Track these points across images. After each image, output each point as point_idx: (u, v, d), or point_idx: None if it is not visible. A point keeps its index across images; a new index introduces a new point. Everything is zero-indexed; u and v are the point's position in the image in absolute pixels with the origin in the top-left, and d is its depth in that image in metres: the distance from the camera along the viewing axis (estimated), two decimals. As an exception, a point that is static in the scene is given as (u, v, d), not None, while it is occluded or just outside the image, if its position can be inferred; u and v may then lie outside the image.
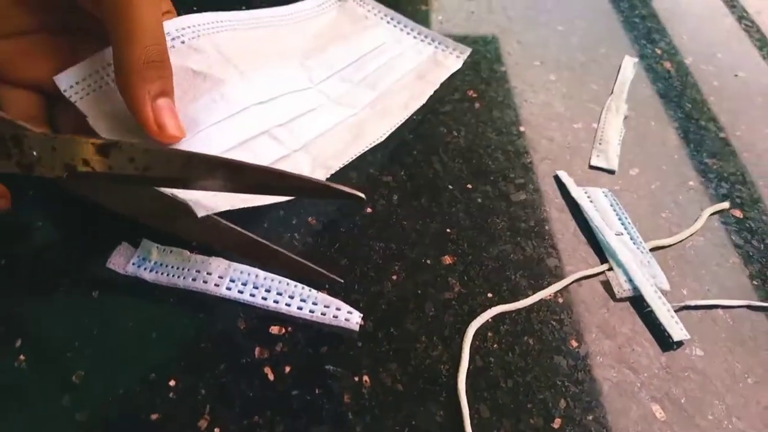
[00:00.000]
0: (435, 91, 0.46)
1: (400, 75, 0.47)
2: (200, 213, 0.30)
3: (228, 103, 0.36)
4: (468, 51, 0.50)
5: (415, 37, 0.50)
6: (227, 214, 0.32)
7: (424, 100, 0.45)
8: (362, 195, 0.27)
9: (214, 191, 0.28)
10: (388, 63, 0.47)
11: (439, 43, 0.50)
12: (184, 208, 0.30)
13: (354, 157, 0.40)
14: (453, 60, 0.49)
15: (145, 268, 0.34)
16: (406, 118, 0.44)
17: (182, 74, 0.35)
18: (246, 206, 0.32)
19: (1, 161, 0.28)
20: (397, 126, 0.43)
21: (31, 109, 0.34)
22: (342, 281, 0.35)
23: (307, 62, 0.43)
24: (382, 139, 0.42)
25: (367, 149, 0.41)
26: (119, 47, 0.30)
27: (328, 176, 0.38)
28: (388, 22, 0.50)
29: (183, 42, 0.36)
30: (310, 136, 0.39)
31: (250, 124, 0.37)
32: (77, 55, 0.33)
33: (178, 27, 0.36)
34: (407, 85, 0.47)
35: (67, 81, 0.32)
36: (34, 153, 0.28)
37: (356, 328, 0.33)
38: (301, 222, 0.38)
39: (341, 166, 0.39)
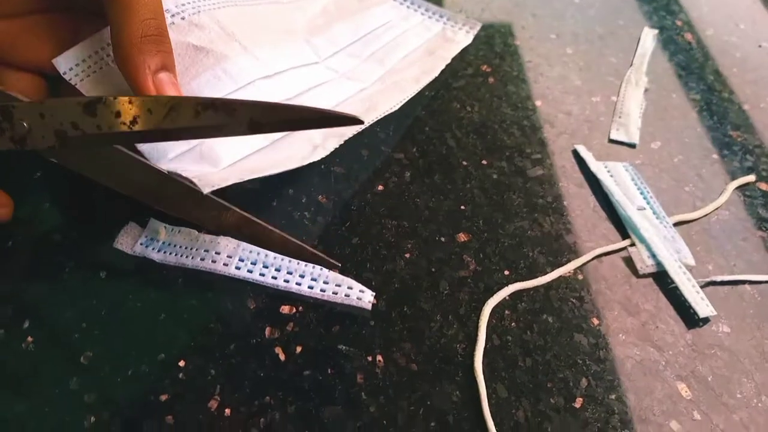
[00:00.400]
0: (447, 67, 0.45)
1: (408, 51, 0.46)
2: (206, 190, 0.29)
3: (232, 78, 0.35)
4: (478, 26, 0.49)
5: (422, 14, 0.49)
6: (232, 196, 0.31)
7: (435, 74, 0.44)
8: (363, 120, 0.27)
9: (206, 137, 0.28)
10: (395, 39, 0.46)
11: (447, 19, 0.49)
12: (184, 187, 0.30)
13: (368, 125, 0.38)
14: (463, 35, 0.48)
15: (152, 248, 0.34)
16: (418, 91, 0.43)
17: (183, 50, 0.34)
18: (255, 177, 0.31)
19: None
20: (409, 99, 0.42)
21: (33, 93, 0.33)
22: (339, 265, 0.34)
23: (313, 39, 0.42)
24: (395, 109, 0.40)
25: (379, 118, 0.39)
26: (116, 23, 0.29)
27: (342, 143, 0.36)
28: (393, 0, 0.49)
29: (183, 18, 0.35)
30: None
31: (257, 98, 0.35)
32: (80, 36, 0.32)
33: (177, 3, 0.35)
34: (417, 60, 0.45)
35: (66, 63, 0.31)
36: (25, 124, 0.27)
37: (369, 307, 0.32)
38: (311, 200, 0.37)
39: (354, 134, 0.37)
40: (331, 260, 0.34)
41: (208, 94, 0.34)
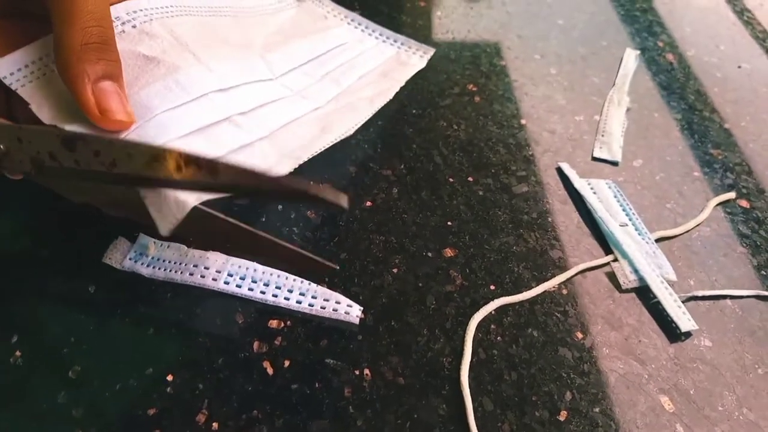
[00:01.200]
0: (434, 86, 0.46)
1: (364, 72, 0.46)
2: (191, 203, 0.29)
3: (184, 89, 0.33)
4: (432, 51, 0.49)
5: (377, 38, 0.49)
6: (220, 211, 0.31)
7: (389, 96, 0.44)
8: (345, 205, 0.24)
9: (182, 190, 0.26)
10: (350, 61, 0.46)
11: (402, 44, 0.49)
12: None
13: (321, 150, 0.38)
14: (417, 59, 0.49)
15: (141, 263, 0.34)
16: (372, 114, 0.43)
17: (133, 60, 0.33)
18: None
19: None
20: (364, 122, 0.42)
21: None
22: (337, 267, 0.33)
23: (268, 56, 0.42)
24: (350, 134, 0.40)
25: (334, 143, 0.39)
26: (57, 28, 0.28)
27: (296, 167, 0.35)
28: (348, 23, 0.49)
29: (134, 26, 0.34)
30: (274, 126, 0.37)
31: (210, 110, 0.34)
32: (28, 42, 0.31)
33: (128, 10, 0.34)
34: (372, 82, 0.46)
35: (7, 67, 0.30)
36: (1, 146, 0.26)
37: (356, 321, 0.33)
38: (300, 216, 0.37)
39: (308, 158, 0.36)
40: (326, 262, 0.32)
41: (158, 104, 0.32)
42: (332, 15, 0.50)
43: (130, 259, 0.34)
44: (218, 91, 0.35)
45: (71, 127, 0.29)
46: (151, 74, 0.33)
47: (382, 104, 0.44)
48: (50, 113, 0.30)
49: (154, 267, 0.34)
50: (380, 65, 0.47)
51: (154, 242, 0.35)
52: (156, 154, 0.25)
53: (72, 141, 0.26)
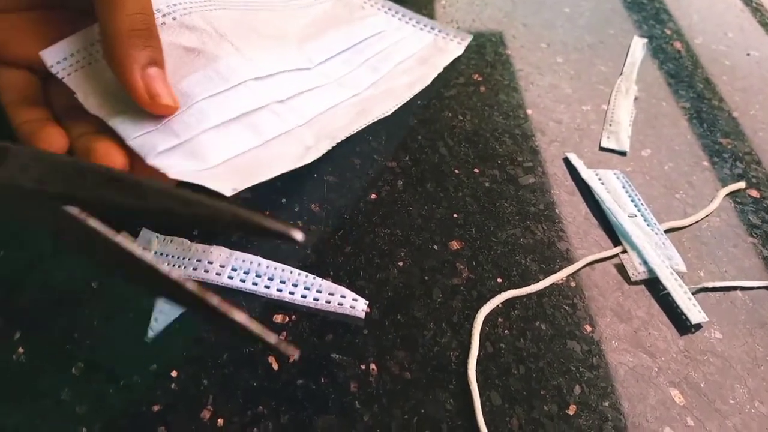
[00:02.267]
0: (439, 76, 0.45)
1: (401, 59, 0.46)
2: (228, 192, 0.30)
3: (223, 78, 0.34)
4: (469, 38, 0.49)
5: (414, 26, 0.49)
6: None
7: (428, 82, 0.44)
8: (299, 236, 0.23)
9: (109, 211, 0.25)
10: (388, 48, 0.46)
11: (439, 31, 0.49)
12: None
13: (359, 129, 0.39)
14: (454, 46, 0.48)
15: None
16: (410, 97, 0.43)
17: (173, 52, 0.34)
18: (254, 182, 0.32)
19: None
20: (401, 107, 0.42)
21: (25, 89, 0.33)
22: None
23: (305, 46, 0.42)
24: (387, 114, 0.41)
25: (370, 123, 0.40)
26: (103, 17, 0.29)
27: (334, 145, 0.36)
28: (386, 12, 0.49)
29: (174, 18, 0.35)
30: (312, 113, 0.38)
31: (248, 98, 0.35)
32: (71, 32, 0.32)
33: (169, 3, 0.35)
34: (409, 68, 0.46)
35: (54, 56, 0.31)
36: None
37: (362, 315, 0.32)
38: (304, 209, 0.37)
39: (347, 136, 0.37)
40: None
41: (198, 92, 0.33)
42: (369, 4, 0.49)
43: None
44: (256, 80, 0.36)
45: (116, 120, 0.30)
46: (191, 65, 0.34)
47: (420, 89, 0.44)
48: (96, 102, 0.31)
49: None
50: (418, 52, 0.48)
51: (157, 237, 0.34)
52: (81, 169, 0.24)
53: (3, 153, 0.24)
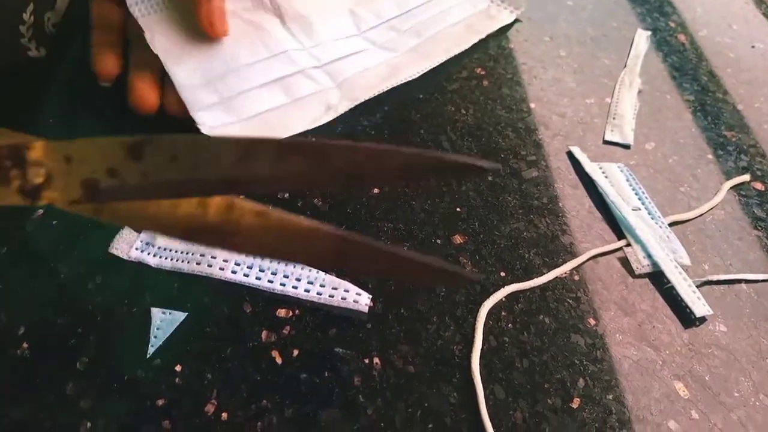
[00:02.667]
0: (441, 68, 0.45)
1: (448, 24, 0.47)
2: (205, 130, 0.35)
3: (266, 47, 0.39)
4: (522, 8, 0.50)
5: None
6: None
7: (466, 47, 0.46)
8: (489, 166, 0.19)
9: (282, 189, 0.24)
10: (440, 14, 0.47)
11: None
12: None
13: (384, 90, 0.41)
14: (507, 15, 0.49)
15: (148, 253, 0.34)
16: (444, 60, 0.45)
17: (231, 18, 0.38)
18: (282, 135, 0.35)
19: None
20: (433, 67, 0.44)
21: (108, 17, 0.38)
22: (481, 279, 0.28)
23: (357, 9, 0.43)
24: (415, 77, 0.43)
25: (399, 83, 0.42)
26: None
27: (352, 107, 0.39)
28: None
29: None
30: (344, 75, 0.41)
31: (287, 64, 0.39)
32: None
33: None
34: (453, 33, 0.47)
35: None
36: (42, 170, 0.21)
37: (365, 310, 0.32)
38: (307, 204, 0.37)
39: (369, 97, 0.40)
40: (469, 275, 0.26)
41: (243, 56, 0.38)
42: None
43: (136, 249, 0.34)
44: (298, 50, 0.40)
45: (173, 66, 0.36)
46: (240, 30, 0.38)
47: (457, 53, 0.46)
48: (160, 44, 0.36)
49: (161, 257, 0.33)
50: (468, 18, 0.48)
51: None
52: (247, 147, 0.20)
53: (140, 148, 0.21)
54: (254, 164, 0.20)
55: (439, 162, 0.18)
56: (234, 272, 0.33)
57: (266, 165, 0.20)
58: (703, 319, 0.33)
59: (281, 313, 0.32)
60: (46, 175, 0.21)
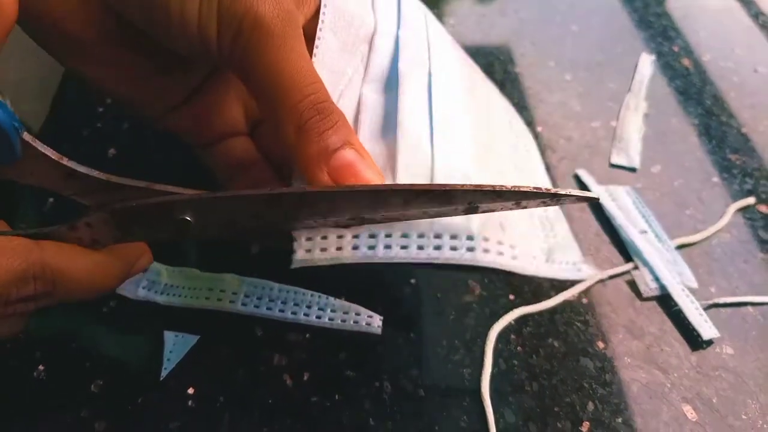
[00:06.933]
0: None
1: None
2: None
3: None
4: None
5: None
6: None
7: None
8: (596, 195, 0.23)
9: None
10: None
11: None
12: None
13: None
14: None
15: (155, 291, 0.34)
16: None
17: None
18: None
19: (143, 230, 0.24)
20: None
21: (246, 154, 0.31)
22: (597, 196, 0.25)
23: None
24: None
25: None
26: (269, 116, 0.25)
27: None
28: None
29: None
30: None
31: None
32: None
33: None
34: None
35: None
36: (187, 218, 0.23)
37: (378, 331, 0.32)
38: (318, 227, 0.38)
39: None
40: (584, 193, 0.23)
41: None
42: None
43: (143, 288, 0.34)
44: None
45: None
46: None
47: None
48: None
49: (168, 294, 0.34)
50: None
51: (167, 269, 0.34)
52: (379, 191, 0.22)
53: (278, 198, 0.23)
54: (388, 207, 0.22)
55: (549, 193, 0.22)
56: (244, 304, 0.33)
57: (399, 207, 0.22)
58: (710, 342, 0.33)
59: (292, 336, 0.33)
60: (192, 221, 0.23)
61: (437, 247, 0.25)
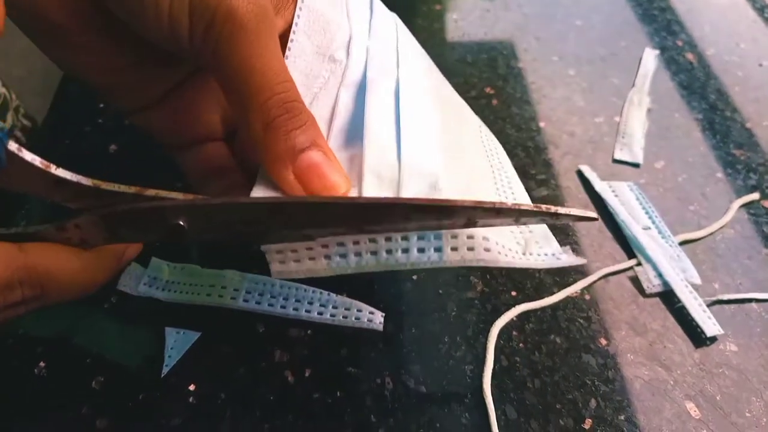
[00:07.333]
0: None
1: None
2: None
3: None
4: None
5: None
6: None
7: None
8: (595, 215, 0.23)
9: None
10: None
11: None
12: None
13: None
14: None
15: (157, 288, 0.34)
16: None
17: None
18: None
19: (134, 234, 0.23)
20: None
21: (220, 160, 0.30)
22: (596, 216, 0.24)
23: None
24: None
25: None
26: (235, 110, 0.25)
27: None
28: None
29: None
30: None
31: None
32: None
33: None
34: None
35: None
36: (180, 223, 0.22)
37: (380, 327, 0.32)
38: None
39: None
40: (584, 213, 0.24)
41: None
42: None
43: (144, 284, 0.34)
44: None
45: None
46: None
47: None
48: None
49: (170, 290, 0.34)
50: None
51: (168, 265, 0.34)
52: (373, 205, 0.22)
53: (280, 209, 0.22)
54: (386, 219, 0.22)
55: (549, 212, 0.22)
56: (246, 301, 0.33)
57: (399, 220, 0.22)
58: (713, 339, 0.33)
59: (293, 332, 0.33)
60: (186, 226, 0.22)
61: (405, 250, 0.25)
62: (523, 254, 0.27)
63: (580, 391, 0.31)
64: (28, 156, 0.21)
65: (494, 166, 0.34)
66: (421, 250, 0.25)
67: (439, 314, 0.34)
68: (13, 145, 0.21)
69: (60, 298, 0.23)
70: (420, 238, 0.24)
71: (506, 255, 0.26)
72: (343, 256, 0.25)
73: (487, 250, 0.25)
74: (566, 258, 0.27)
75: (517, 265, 0.25)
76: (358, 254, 0.25)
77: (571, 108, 0.46)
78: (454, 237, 0.25)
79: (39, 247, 0.22)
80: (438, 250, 0.25)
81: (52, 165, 0.22)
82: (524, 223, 0.23)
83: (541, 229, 0.29)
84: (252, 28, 0.23)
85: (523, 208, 0.22)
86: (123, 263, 0.26)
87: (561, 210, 0.22)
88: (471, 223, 0.23)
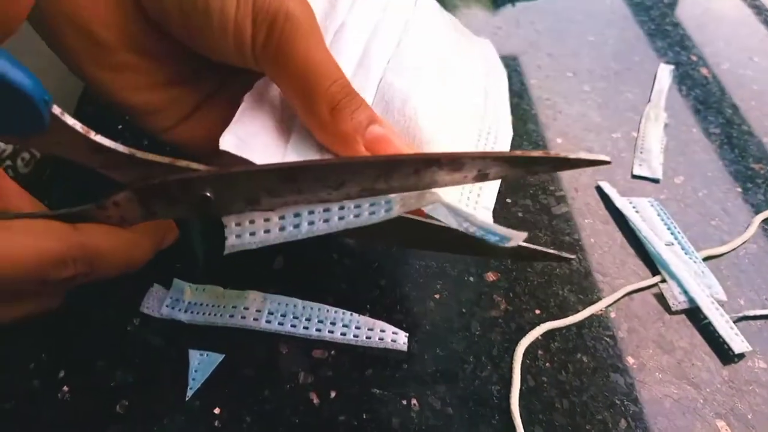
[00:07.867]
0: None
1: None
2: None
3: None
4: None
5: None
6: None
7: None
8: (607, 158, 0.22)
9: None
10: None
11: None
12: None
13: None
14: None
15: (179, 309, 0.34)
16: None
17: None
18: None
19: (167, 208, 0.24)
20: None
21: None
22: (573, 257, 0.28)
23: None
24: None
25: None
26: (299, 104, 0.27)
27: None
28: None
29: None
30: None
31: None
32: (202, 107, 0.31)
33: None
34: None
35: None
36: (207, 194, 0.23)
37: (404, 348, 0.32)
38: (335, 242, 0.37)
39: None
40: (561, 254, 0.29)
41: None
42: None
43: (167, 306, 0.34)
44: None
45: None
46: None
47: None
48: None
49: (192, 312, 0.33)
50: None
51: (190, 286, 0.34)
52: (386, 163, 0.23)
53: (292, 174, 0.23)
54: (395, 178, 0.23)
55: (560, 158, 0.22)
56: (268, 322, 0.33)
57: (407, 177, 0.23)
58: (741, 356, 0.32)
59: (317, 353, 0.32)
60: (212, 197, 0.24)
61: (356, 215, 0.26)
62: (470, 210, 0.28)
63: (610, 411, 0.30)
64: (70, 120, 0.22)
65: (484, 126, 0.37)
66: (372, 213, 0.26)
67: (463, 333, 0.33)
68: (56, 109, 0.22)
69: (105, 275, 0.25)
70: (372, 204, 0.25)
71: (452, 211, 0.26)
72: (297, 226, 0.25)
73: (432, 205, 0.25)
74: (504, 230, 0.27)
75: (462, 214, 0.25)
76: (311, 223, 0.25)
77: (587, 124, 0.46)
78: (404, 198, 0.25)
79: (89, 227, 0.23)
80: (388, 210, 0.25)
81: (91, 131, 0.23)
82: (536, 172, 0.25)
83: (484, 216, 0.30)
84: (307, 26, 0.26)
85: (533, 155, 0.23)
86: (163, 246, 0.28)
87: (571, 155, 0.22)
88: (482, 176, 0.23)
